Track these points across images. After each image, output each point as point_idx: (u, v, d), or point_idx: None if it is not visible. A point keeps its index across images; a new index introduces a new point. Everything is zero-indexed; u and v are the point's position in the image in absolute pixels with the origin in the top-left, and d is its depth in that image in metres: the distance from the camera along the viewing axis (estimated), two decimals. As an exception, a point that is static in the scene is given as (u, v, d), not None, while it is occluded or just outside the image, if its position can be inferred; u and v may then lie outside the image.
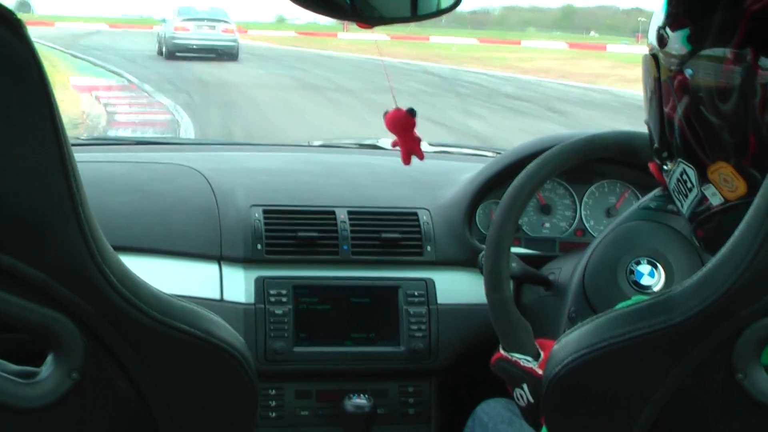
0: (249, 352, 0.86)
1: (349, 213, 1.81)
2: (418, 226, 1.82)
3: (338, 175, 1.99)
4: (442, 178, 2.00)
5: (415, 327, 1.75)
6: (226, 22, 21.41)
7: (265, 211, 1.77)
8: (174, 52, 20.44)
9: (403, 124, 1.40)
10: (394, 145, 1.43)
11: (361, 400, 1.71)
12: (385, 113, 1.39)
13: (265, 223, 1.76)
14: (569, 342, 0.86)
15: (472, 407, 1.65)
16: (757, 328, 0.76)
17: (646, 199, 1.52)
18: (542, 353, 1.36)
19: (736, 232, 0.76)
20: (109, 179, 1.84)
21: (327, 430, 1.77)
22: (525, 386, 1.35)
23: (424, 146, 2.42)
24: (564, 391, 0.85)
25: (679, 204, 1.04)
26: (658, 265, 1.51)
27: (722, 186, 0.95)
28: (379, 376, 1.79)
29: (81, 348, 0.76)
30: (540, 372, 1.34)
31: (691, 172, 0.98)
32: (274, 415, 1.75)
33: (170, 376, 0.81)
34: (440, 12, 1.21)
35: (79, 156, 0.77)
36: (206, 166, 1.91)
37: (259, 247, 1.74)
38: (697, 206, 0.99)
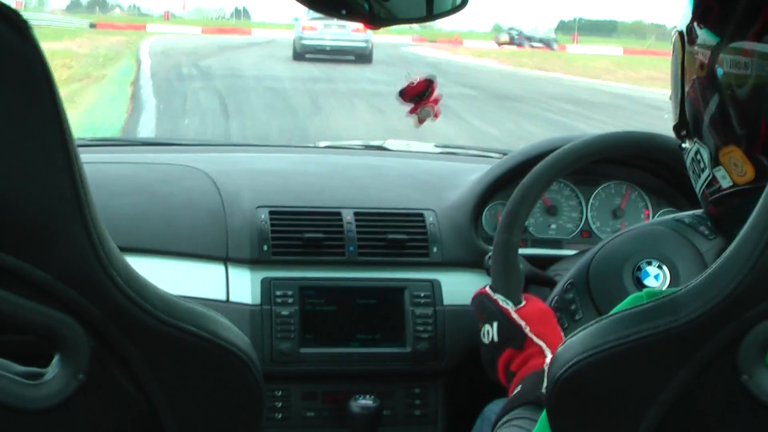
0: (255, 353, 0.86)
1: (356, 214, 1.81)
2: (424, 227, 1.82)
3: (344, 177, 1.99)
4: (448, 179, 1.99)
5: (421, 328, 1.75)
6: None
7: (271, 213, 1.77)
8: (302, 54, 19.64)
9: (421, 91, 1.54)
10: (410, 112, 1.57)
11: (366, 401, 1.71)
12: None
13: (272, 225, 1.76)
14: (574, 344, 0.85)
15: (478, 409, 1.64)
16: (762, 329, 0.76)
17: (684, 214, 1.54)
18: (524, 302, 1.40)
19: (741, 233, 0.76)
20: (115, 180, 1.84)
21: None
22: (495, 324, 1.39)
23: (430, 148, 2.44)
24: (569, 393, 0.85)
25: (693, 182, 1.05)
26: (668, 272, 1.51)
27: (732, 169, 0.95)
28: (385, 378, 1.78)
29: (87, 349, 0.76)
30: (515, 317, 1.38)
31: (705, 153, 0.99)
32: (280, 416, 1.75)
33: (176, 378, 0.81)
34: (455, 9, 1.21)
35: (85, 157, 0.77)
36: (212, 168, 1.92)
37: (265, 248, 1.74)
38: (708, 186, 1.00)
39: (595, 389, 0.84)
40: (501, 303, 1.40)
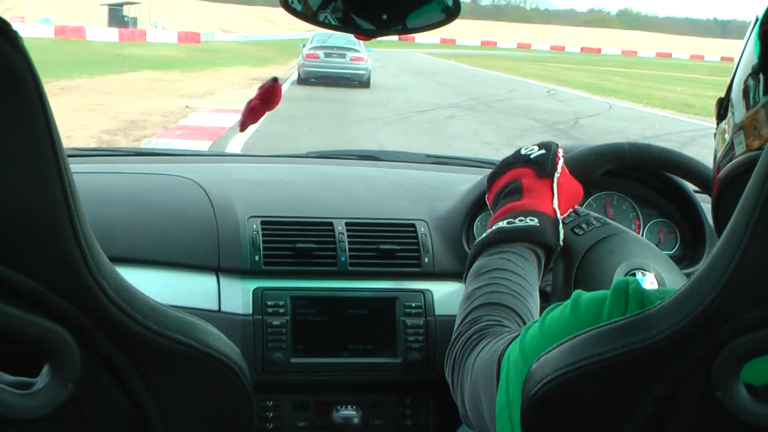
0: (245, 363, 0.86)
1: (347, 224, 1.81)
2: (416, 237, 1.83)
3: (336, 187, 1.99)
4: (440, 189, 2.00)
5: (412, 338, 1.75)
6: (356, 50, 22.41)
7: (263, 223, 1.78)
8: (305, 79, 22.16)
9: (271, 96, 1.37)
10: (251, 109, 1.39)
11: (349, 412, 1.71)
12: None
13: (263, 235, 1.76)
14: (548, 361, 0.85)
15: None
16: (736, 345, 0.76)
17: None
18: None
19: (714, 250, 0.76)
20: (107, 190, 1.84)
21: None
22: (542, 150, 1.41)
23: (422, 157, 2.45)
24: (543, 411, 0.85)
25: (714, 161, 1.03)
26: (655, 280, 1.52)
27: (751, 133, 0.93)
28: (376, 388, 1.78)
29: (77, 359, 0.75)
30: (561, 163, 1.40)
31: (733, 121, 0.97)
32: (271, 426, 1.74)
33: (166, 387, 0.81)
34: (458, 10, 1.22)
35: (78, 167, 0.77)
36: (204, 178, 1.92)
37: (257, 258, 1.74)
38: (723, 157, 0.98)
39: (569, 407, 0.83)
40: (561, 154, 1.42)
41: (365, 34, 1.20)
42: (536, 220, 1.29)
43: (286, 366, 1.70)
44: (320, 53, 22.51)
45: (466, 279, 1.29)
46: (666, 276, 1.53)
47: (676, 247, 1.91)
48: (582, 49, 79.97)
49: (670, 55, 79.11)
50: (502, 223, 1.30)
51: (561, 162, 1.40)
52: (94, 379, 0.77)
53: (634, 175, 1.94)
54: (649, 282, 1.54)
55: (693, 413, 0.79)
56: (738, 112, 0.97)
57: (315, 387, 1.76)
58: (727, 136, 0.98)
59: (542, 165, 1.38)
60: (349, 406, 1.73)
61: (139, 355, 0.79)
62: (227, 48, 44.39)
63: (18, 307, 0.73)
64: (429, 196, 1.96)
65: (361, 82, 22.35)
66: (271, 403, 1.74)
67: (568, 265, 1.54)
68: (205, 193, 1.84)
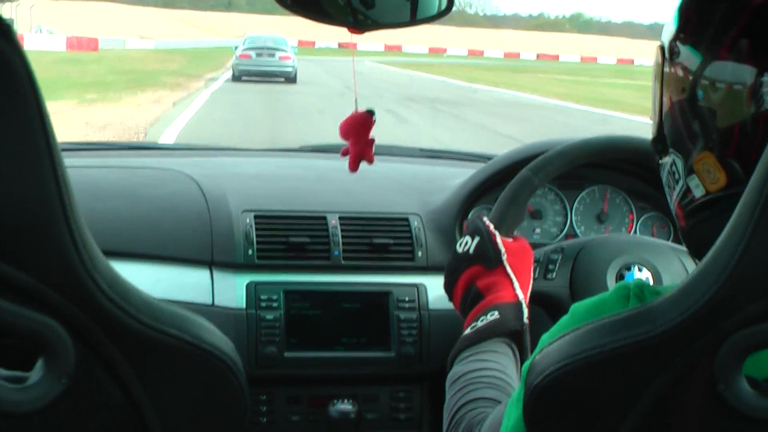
0: (238, 357, 0.86)
1: (341, 218, 1.81)
2: (409, 231, 1.83)
3: (330, 181, 1.99)
4: (434, 183, 2.00)
5: (405, 332, 1.75)
6: (284, 50, 26.27)
7: (256, 217, 1.78)
8: (239, 76, 25.65)
9: (360, 125, 1.39)
10: (344, 153, 1.41)
11: (345, 406, 1.72)
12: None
13: (257, 229, 1.76)
14: (551, 352, 0.86)
15: None
16: (738, 338, 0.76)
17: None
18: (510, 240, 1.44)
19: (717, 242, 0.76)
20: (100, 184, 1.84)
21: None
22: (477, 239, 1.42)
23: (415, 151, 2.45)
24: (546, 401, 0.85)
25: (668, 198, 1.04)
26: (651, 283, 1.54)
27: (705, 177, 0.94)
28: (369, 381, 1.79)
29: (71, 353, 0.75)
30: (498, 241, 1.41)
31: (680, 163, 0.98)
32: (265, 420, 1.75)
33: (160, 381, 0.81)
34: (438, 16, 1.23)
35: (71, 161, 0.77)
36: (198, 172, 1.92)
37: (250, 252, 1.74)
38: (682, 199, 0.99)
39: (572, 397, 0.84)
40: (491, 228, 1.44)
41: (357, 29, 1.20)
42: (496, 313, 1.33)
43: (279, 360, 1.70)
44: (252, 53, 26.01)
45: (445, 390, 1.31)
46: (656, 262, 1.56)
47: (669, 241, 1.92)
48: (538, 55, 75.96)
49: (632, 62, 75.46)
50: (467, 331, 1.34)
51: (497, 235, 1.42)
52: (88, 374, 0.77)
53: (627, 169, 1.94)
54: (643, 276, 1.55)
55: (695, 406, 0.79)
56: (681, 152, 0.97)
57: (308, 381, 1.76)
58: (678, 178, 0.99)
59: (486, 256, 1.40)
60: (345, 400, 1.73)
61: (133, 349, 0.79)
62: (125, 57, 35.81)
63: (11, 301, 0.73)
64: (422, 190, 1.97)
65: (288, 78, 25.53)
66: (264, 397, 1.74)
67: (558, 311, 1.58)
68: (198, 187, 1.84)
